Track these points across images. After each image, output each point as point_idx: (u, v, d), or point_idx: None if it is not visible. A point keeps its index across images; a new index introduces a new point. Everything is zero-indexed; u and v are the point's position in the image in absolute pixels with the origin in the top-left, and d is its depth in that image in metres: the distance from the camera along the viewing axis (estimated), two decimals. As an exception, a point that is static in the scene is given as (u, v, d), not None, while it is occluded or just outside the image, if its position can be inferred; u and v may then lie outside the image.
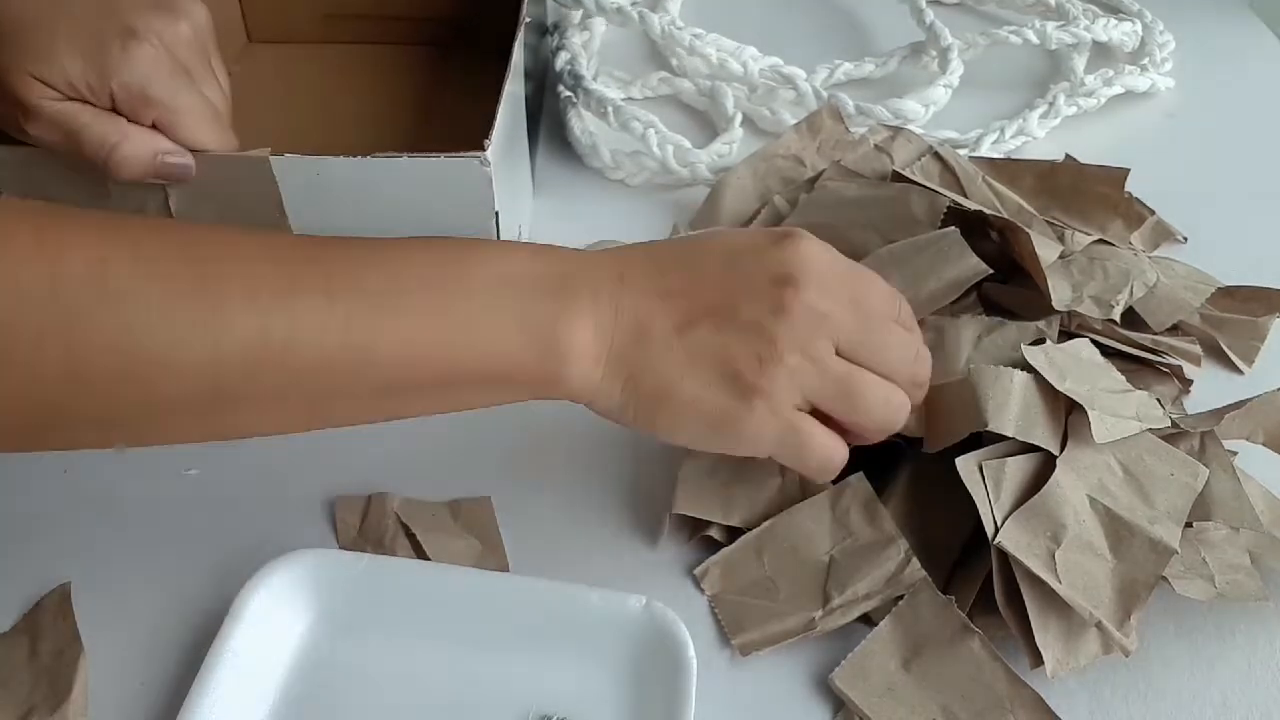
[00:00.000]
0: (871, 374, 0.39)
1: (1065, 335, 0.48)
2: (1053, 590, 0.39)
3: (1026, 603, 0.39)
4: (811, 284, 0.38)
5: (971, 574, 0.42)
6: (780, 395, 0.38)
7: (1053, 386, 0.42)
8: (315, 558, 0.41)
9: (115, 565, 0.44)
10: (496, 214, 0.46)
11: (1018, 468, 0.41)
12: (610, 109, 0.65)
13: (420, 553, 0.44)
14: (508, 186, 0.50)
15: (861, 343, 0.39)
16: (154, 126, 0.43)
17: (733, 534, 0.45)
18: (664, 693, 0.38)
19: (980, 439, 0.42)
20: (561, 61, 0.70)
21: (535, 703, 0.39)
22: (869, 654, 0.40)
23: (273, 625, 0.40)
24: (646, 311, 0.38)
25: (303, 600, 0.40)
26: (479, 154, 0.45)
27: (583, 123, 0.66)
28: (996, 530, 0.40)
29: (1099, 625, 0.39)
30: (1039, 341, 0.46)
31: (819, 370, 0.38)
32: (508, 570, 0.44)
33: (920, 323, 0.48)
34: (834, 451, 0.40)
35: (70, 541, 0.45)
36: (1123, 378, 0.45)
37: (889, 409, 0.40)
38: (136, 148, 0.42)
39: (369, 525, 0.45)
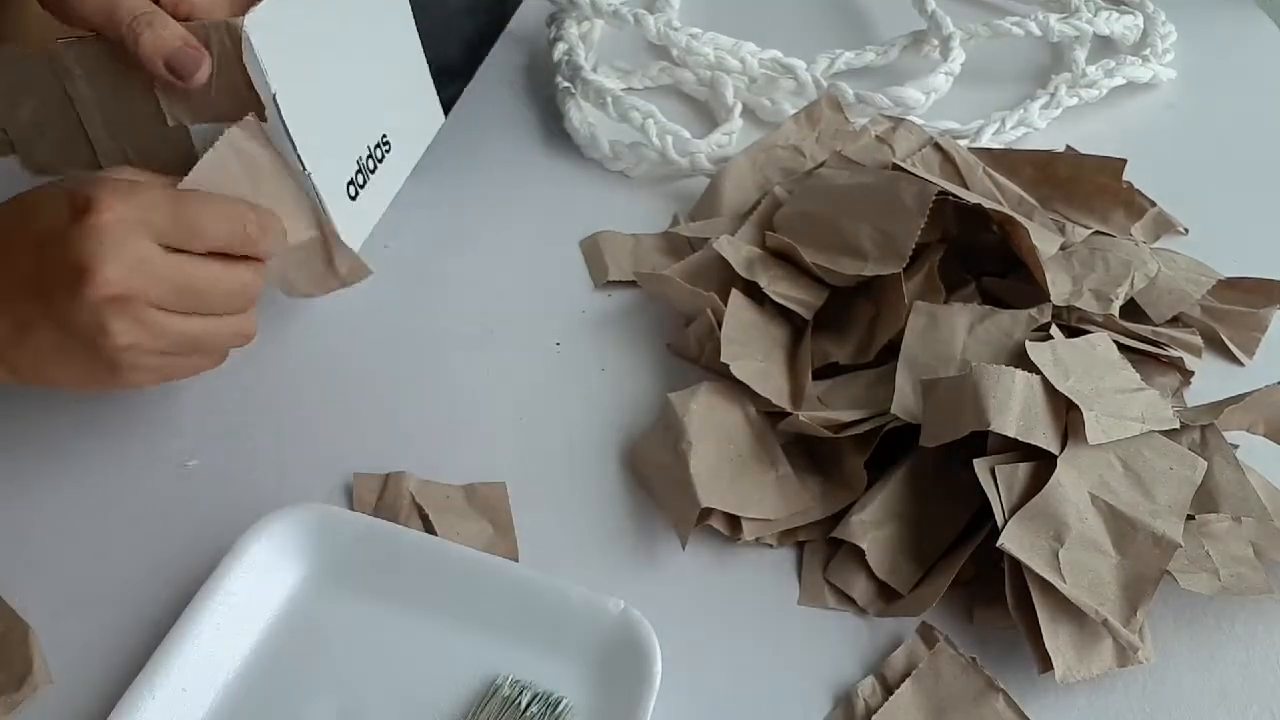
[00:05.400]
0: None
1: (1064, 328, 0.48)
2: (1064, 596, 0.39)
3: (1037, 607, 0.39)
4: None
5: (950, 563, 0.42)
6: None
7: (1054, 386, 0.42)
8: (318, 512, 0.43)
9: (124, 556, 0.44)
10: (274, 96, 0.43)
11: (1028, 471, 0.41)
12: (609, 99, 0.65)
13: (431, 533, 0.44)
14: (334, 84, 0.48)
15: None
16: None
17: (733, 525, 0.45)
18: (626, 695, 0.38)
19: (976, 434, 0.42)
20: (559, 53, 0.70)
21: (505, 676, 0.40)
22: (890, 718, 0.39)
23: (268, 571, 0.42)
24: None
25: (300, 551, 0.42)
26: (236, 20, 0.41)
27: (581, 113, 0.66)
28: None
29: (1105, 623, 0.38)
30: (1045, 334, 0.46)
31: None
32: (516, 555, 0.44)
33: (910, 305, 0.48)
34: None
35: (72, 537, 0.45)
36: (1136, 375, 0.45)
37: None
38: (169, 29, 0.42)
39: (385, 503, 0.46)
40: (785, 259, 0.53)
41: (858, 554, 0.43)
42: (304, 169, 0.46)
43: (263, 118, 0.43)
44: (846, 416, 0.46)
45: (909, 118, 0.62)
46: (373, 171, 0.51)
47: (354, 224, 0.50)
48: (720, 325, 0.49)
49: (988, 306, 0.48)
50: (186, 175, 0.42)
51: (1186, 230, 0.60)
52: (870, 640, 0.42)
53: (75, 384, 0.43)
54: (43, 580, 0.43)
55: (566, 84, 0.68)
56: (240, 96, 0.43)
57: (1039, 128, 0.67)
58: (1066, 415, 0.42)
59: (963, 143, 0.61)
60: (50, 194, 0.40)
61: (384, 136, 0.52)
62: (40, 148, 0.46)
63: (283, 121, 0.44)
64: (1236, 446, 0.44)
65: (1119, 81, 0.70)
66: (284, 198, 0.45)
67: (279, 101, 0.43)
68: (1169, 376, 0.50)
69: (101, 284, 0.38)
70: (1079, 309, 0.49)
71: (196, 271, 0.41)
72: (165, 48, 0.41)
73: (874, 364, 0.50)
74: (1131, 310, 0.51)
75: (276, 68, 0.43)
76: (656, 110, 0.64)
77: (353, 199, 0.50)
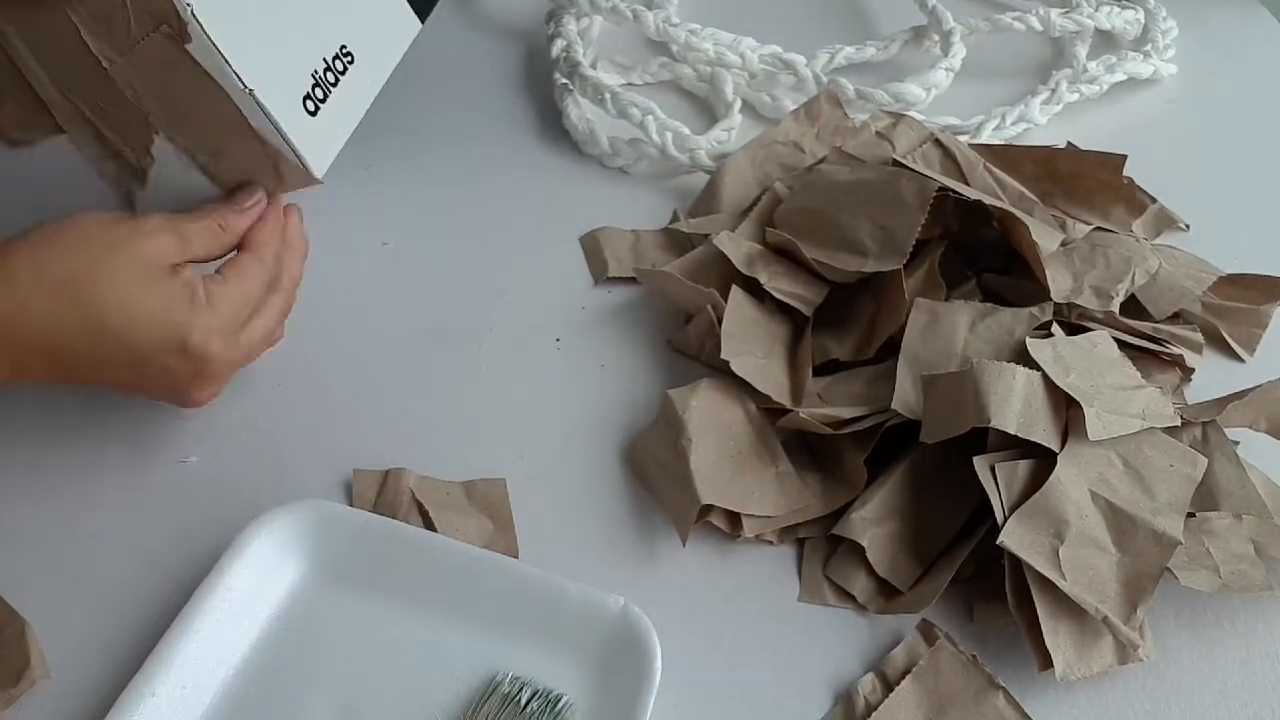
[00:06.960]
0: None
1: (1065, 325, 0.48)
2: (1065, 594, 0.39)
3: (1037, 605, 0.39)
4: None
5: (950, 560, 0.42)
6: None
7: (1054, 382, 0.42)
8: (318, 509, 0.43)
9: (123, 552, 0.44)
10: (191, 10, 0.40)
11: (1028, 469, 0.41)
12: (608, 96, 0.65)
13: (431, 530, 0.44)
14: None
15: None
16: None
17: (733, 522, 0.45)
18: (626, 692, 0.38)
19: (975, 430, 0.42)
20: (557, 49, 0.70)
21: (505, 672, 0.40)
22: (890, 716, 0.39)
23: (268, 568, 0.42)
24: None
25: (300, 548, 0.42)
26: None
27: (579, 110, 0.66)
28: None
29: (1106, 620, 0.38)
30: (1046, 331, 0.46)
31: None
32: (516, 552, 0.44)
33: (911, 302, 0.48)
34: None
35: (71, 533, 0.45)
36: (1137, 373, 0.45)
37: None
38: None
39: (384, 499, 0.46)
40: (786, 255, 0.53)
41: (858, 551, 0.43)
42: (244, 87, 0.43)
43: (186, 38, 0.41)
44: (847, 413, 0.46)
45: (909, 113, 0.62)
46: (334, 85, 0.48)
47: (318, 141, 0.47)
48: (720, 321, 0.49)
49: (989, 304, 0.48)
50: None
51: (1187, 226, 0.60)
52: (870, 637, 0.42)
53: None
54: (42, 577, 0.43)
55: (565, 80, 0.67)
56: (157, 18, 0.41)
57: (1040, 123, 0.67)
58: (1067, 412, 0.42)
59: (963, 138, 0.61)
60: (164, 342, 0.42)
61: (343, 47, 0.49)
62: (2, 117, 0.45)
63: (208, 37, 0.41)
64: (1237, 443, 0.44)
65: (1120, 77, 0.70)
66: (206, 112, 0.44)
67: (198, 16, 0.41)
68: (1170, 373, 0.50)
69: (204, 394, 0.45)
70: (1079, 306, 0.49)
71: (235, 293, 0.44)
72: None
73: (874, 360, 0.50)
74: (1132, 307, 0.51)
75: None
76: (655, 106, 0.64)
77: (312, 114, 0.46)
